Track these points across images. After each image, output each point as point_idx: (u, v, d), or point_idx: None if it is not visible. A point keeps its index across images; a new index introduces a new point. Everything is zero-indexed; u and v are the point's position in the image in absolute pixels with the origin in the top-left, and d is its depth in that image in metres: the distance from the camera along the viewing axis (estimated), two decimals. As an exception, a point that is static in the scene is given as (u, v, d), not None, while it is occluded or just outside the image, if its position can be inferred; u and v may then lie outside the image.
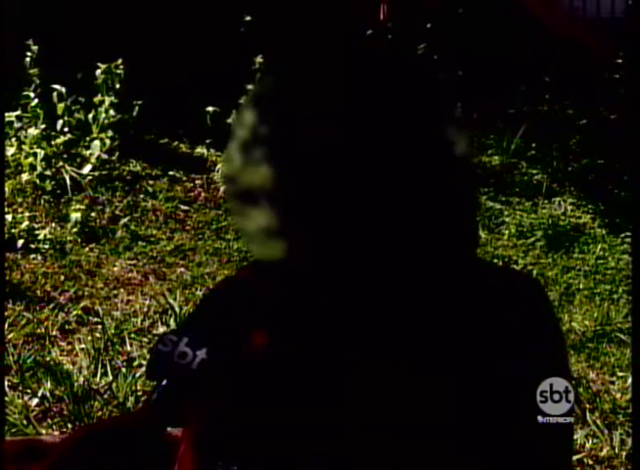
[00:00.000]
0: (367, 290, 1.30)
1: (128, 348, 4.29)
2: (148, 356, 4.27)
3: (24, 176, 5.96)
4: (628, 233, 5.99)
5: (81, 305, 4.69)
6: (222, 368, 1.30)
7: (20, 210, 5.69)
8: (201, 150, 6.76)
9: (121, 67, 6.37)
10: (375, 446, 1.31)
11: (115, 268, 5.18)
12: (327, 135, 1.22)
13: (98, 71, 6.37)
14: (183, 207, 6.06)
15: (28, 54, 6.43)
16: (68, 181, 5.97)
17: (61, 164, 6.10)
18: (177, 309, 4.65)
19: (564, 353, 1.39)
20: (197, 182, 6.40)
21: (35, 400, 3.82)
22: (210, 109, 6.66)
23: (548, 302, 1.39)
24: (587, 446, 3.79)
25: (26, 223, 5.42)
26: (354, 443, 1.31)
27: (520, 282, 1.38)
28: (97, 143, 6.26)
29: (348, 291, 1.31)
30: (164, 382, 1.29)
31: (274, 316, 1.37)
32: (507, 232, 6.21)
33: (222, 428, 1.35)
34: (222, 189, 6.08)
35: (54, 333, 4.42)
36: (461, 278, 1.34)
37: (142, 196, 6.11)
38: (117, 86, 6.38)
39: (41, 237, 5.32)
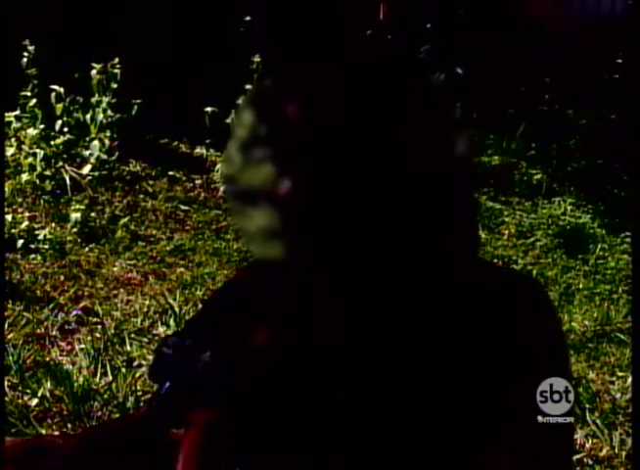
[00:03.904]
0: (367, 289, 1.30)
1: (128, 348, 4.29)
2: (148, 356, 4.25)
3: (24, 176, 5.96)
4: (628, 233, 5.99)
5: (81, 305, 4.68)
6: (225, 371, 1.30)
7: (20, 210, 5.69)
8: (200, 150, 6.76)
9: (118, 66, 6.37)
10: (378, 448, 1.31)
11: (115, 268, 5.18)
12: (326, 135, 1.22)
13: (93, 72, 6.36)
14: (183, 207, 6.06)
15: (25, 54, 6.43)
16: (67, 181, 5.97)
17: (60, 164, 6.10)
18: (177, 309, 4.65)
19: (565, 355, 1.39)
20: (197, 182, 6.40)
21: (35, 400, 3.82)
22: (209, 109, 6.66)
23: (549, 303, 1.39)
24: (587, 446, 3.79)
25: (26, 223, 5.42)
26: (356, 446, 1.31)
27: (521, 283, 1.38)
28: (96, 143, 6.26)
29: (349, 290, 1.31)
30: (167, 384, 1.29)
31: (276, 318, 1.37)
32: (507, 232, 6.21)
33: (225, 431, 1.35)
34: (222, 189, 6.07)
35: (54, 333, 4.42)
36: (462, 279, 1.34)
37: (142, 196, 6.11)
38: (115, 86, 6.37)
39: (41, 237, 5.32)
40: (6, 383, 3.87)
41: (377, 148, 1.22)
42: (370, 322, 1.33)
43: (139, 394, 3.86)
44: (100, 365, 4.09)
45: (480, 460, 1.30)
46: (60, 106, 6.33)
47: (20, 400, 3.81)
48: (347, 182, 1.21)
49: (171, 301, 4.75)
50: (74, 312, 4.59)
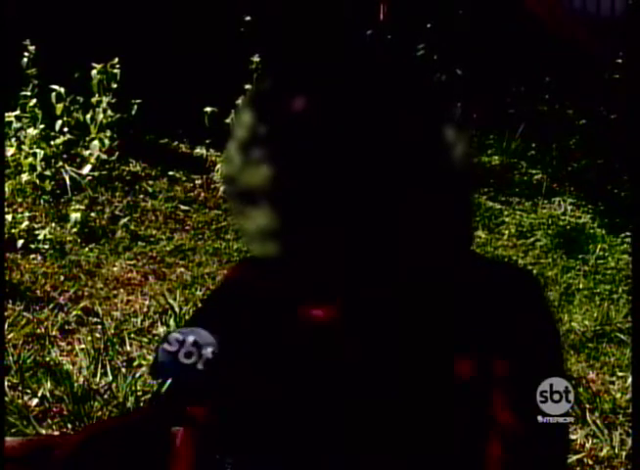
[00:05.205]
0: (364, 287, 1.30)
1: (128, 348, 4.29)
2: (148, 356, 4.24)
3: (24, 176, 5.96)
4: (628, 233, 6.00)
5: (81, 305, 4.68)
6: (227, 368, 1.30)
7: (20, 210, 5.69)
8: (200, 150, 6.76)
9: (117, 66, 6.37)
10: (370, 444, 1.31)
11: (115, 268, 5.18)
12: (325, 135, 1.22)
13: (93, 72, 6.36)
14: (183, 207, 6.06)
15: (26, 54, 6.43)
16: (67, 181, 5.98)
17: (60, 164, 6.10)
18: (177, 309, 4.65)
19: (560, 351, 1.39)
20: (197, 182, 6.40)
21: (35, 400, 3.82)
22: (209, 109, 6.66)
23: (543, 294, 1.39)
24: (587, 445, 3.78)
25: (26, 223, 5.42)
26: (350, 442, 1.31)
27: (517, 278, 1.38)
28: (96, 143, 6.26)
29: (346, 288, 1.31)
30: (169, 381, 1.29)
31: (275, 315, 1.37)
32: (507, 232, 6.21)
33: (222, 424, 1.36)
34: (222, 189, 6.08)
35: (54, 333, 4.42)
36: (459, 274, 1.34)
37: (142, 196, 6.11)
38: (114, 86, 6.37)
39: (41, 237, 5.32)
40: (6, 383, 3.87)
41: (375, 148, 1.22)
42: (368, 319, 1.33)
43: (139, 394, 3.86)
44: (100, 365, 4.09)
45: (479, 458, 1.31)
46: (60, 106, 6.33)
47: (20, 400, 3.81)
48: (346, 181, 1.21)
49: (171, 301, 4.75)
50: (74, 312, 4.59)
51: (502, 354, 1.31)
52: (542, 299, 1.37)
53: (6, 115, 6.10)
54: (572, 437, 3.75)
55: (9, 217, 5.39)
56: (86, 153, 6.26)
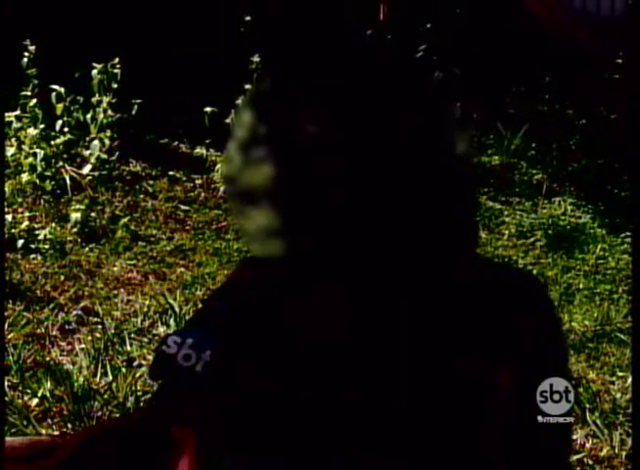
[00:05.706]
0: (367, 287, 1.30)
1: (128, 348, 4.28)
2: (148, 356, 4.23)
3: (24, 176, 5.96)
4: (628, 233, 6.00)
5: (81, 305, 4.68)
6: (225, 370, 1.30)
7: (20, 210, 5.69)
8: (200, 150, 6.76)
9: (118, 66, 6.37)
10: (371, 444, 1.31)
11: (115, 268, 5.18)
12: (325, 135, 1.22)
13: (94, 72, 6.37)
14: (183, 207, 6.06)
15: (26, 54, 6.43)
16: (67, 181, 5.98)
17: (60, 164, 6.10)
18: (177, 309, 4.65)
19: (564, 352, 1.39)
20: (197, 182, 6.40)
21: (35, 400, 3.82)
22: (209, 109, 6.66)
23: (549, 299, 1.39)
24: (587, 445, 3.78)
25: (26, 223, 5.42)
26: (350, 442, 1.31)
27: (520, 280, 1.38)
28: (96, 143, 6.27)
29: (349, 288, 1.31)
30: (168, 383, 1.29)
31: (276, 316, 1.37)
32: (507, 232, 6.21)
33: (222, 424, 1.36)
34: (222, 189, 6.08)
35: (54, 333, 4.41)
36: (461, 275, 1.34)
37: (142, 196, 6.11)
38: (114, 86, 6.37)
39: (41, 237, 5.32)
40: (6, 383, 3.87)
41: (376, 147, 1.22)
42: (370, 320, 1.33)
43: (139, 394, 3.86)
44: (100, 365, 4.09)
45: (479, 459, 1.31)
46: (60, 106, 6.34)
47: (20, 400, 3.81)
48: (346, 181, 1.21)
49: (171, 301, 4.75)
50: (74, 312, 4.59)
51: (505, 357, 1.31)
52: (546, 301, 1.37)
53: (6, 115, 6.10)
54: (573, 437, 3.75)
55: (9, 217, 5.39)
56: (86, 153, 6.26)
